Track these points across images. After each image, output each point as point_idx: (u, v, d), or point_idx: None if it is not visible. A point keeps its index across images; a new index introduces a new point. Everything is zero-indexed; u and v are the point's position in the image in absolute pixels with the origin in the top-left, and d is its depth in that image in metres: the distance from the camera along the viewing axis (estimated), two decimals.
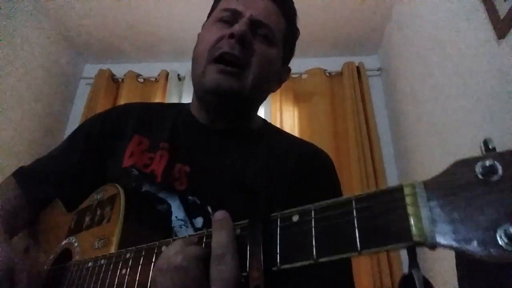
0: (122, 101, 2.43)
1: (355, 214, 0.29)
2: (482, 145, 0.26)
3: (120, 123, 0.77)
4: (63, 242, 0.68)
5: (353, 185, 1.99)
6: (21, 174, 0.78)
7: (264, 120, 0.83)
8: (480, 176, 0.24)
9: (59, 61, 2.52)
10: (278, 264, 0.33)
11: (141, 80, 2.58)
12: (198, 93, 0.71)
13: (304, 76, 2.43)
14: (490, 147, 0.26)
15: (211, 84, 0.64)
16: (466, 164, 0.26)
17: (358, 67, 2.43)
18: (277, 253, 0.33)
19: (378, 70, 2.48)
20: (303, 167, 0.69)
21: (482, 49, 1.26)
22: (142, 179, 0.66)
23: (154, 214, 0.64)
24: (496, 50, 1.17)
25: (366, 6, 2.20)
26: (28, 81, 2.22)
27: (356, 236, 0.28)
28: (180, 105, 0.84)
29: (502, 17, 1.14)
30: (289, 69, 0.82)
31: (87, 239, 0.62)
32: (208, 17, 0.79)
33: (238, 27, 0.63)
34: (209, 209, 0.62)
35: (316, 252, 0.31)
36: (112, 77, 2.58)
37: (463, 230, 0.24)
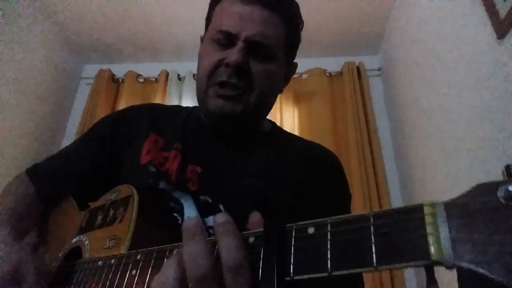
0: (122, 101, 2.43)
1: (372, 230, 0.29)
2: (504, 169, 0.26)
3: (135, 122, 0.78)
4: (74, 240, 0.68)
5: (353, 185, 1.99)
6: (34, 171, 0.78)
7: (272, 122, 0.84)
8: (502, 201, 0.24)
9: (59, 61, 2.52)
10: (292, 274, 0.32)
11: (141, 80, 2.58)
12: (203, 112, 0.71)
13: (304, 76, 2.43)
14: None
15: (214, 109, 0.65)
16: (488, 188, 0.26)
17: (358, 67, 2.43)
18: (290, 264, 0.33)
19: (378, 70, 2.48)
20: (313, 169, 0.69)
21: (482, 49, 1.26)
22: (159, 176, 0.67)
23: (167, 215, 0.64)
24: (496, 50, 1.18)
25: (366, 6, 2.20)
26: (28, 82, 2.22)
27: (372, 252, 0.28)
28: (188, 108, 0.84)
29: (502, 17, 1.14)
30: (296, 65, 0.79)
31: (98, 238, 0.62)
32: (206, 26, 0.75)
33: (233, 57, 0.62)
34: (221, 207, 0.63)
35: (330, 265, 0.30)
36: (112, 77, 2.58)
37: (484, 253, 0.24)
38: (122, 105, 2.42)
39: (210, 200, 0.64)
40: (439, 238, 0.26)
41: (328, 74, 2.45)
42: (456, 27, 1.46)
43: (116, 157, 0.75)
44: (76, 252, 0.66)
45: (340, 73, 2.44)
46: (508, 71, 1.11)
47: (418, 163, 1.88)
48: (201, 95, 0.68)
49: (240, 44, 0.63)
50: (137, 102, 2.47)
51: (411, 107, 1.99)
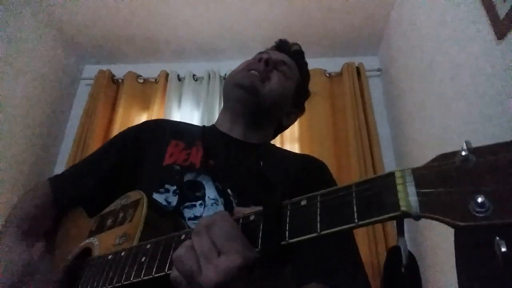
0: (122, 102, 2.43)
1: (354, 195, 0.35)
2: (465, 144, 0.31)
3: (155, 131, 0.89)
4: (83, 242, 0.70)
5: None
6: (54, 178, 0.87)
7: (270, 141, 1.01)
8: (458, 163, 0.30)
9: (59, 62, 2.52)
10: (287, 238, 0.37)
11: (141, 80, 2.58)
12: (227, 89, 0.91)
13: None
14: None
15: (239, 78, 0.87)
16: (448, 156, 0.32)
17: (358, 68, 2.43)
18: (286, 230, 0.38)
19: (378, 71, 2.48)
20: (305, 170, 0.82)
21: (482, 50, 1.26)
22: (184, 171, 0.77)
23: (173, 217, 0.69)
24: (496, 50, 1.17)
25: (366, 7, 2.20)
26: (28, 82, 2.22)
27: (354, 211, 0.34)
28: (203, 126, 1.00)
29: (502, 17, 1.14)
30: (298, 114, 1.02)
31: (108, 238, 0.64)
32: None
33: (265, 55, 0.90)
34: (229, 191, 0.74)
35: (320, 226, 0.36)
36: (112, 77, 2.58)
37: (443, 203, 0.29)
38: (122, 105, 2.42)
39: (220, 187, 0.75)
40: (407, 194, 0.31)
41: (327, 75, 2.45)
42: (455, 28, 1.46)
43: (136, 163, 0.84)
44: (86, 253, 0.67)
45: (340, 74, 2.43)
46: (508, 71, 1.11)
47: (418, 163, 1.88)
48: (232, 77, 0.90)
49: (270, 54, 0.93)
50: (137, 102, 2.49)
51: (410, 107, 1.99)
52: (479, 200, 0.27)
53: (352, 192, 0.35)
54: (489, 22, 1.21)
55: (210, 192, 0.73)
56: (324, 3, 2.19)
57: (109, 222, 0.68)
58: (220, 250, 0.39)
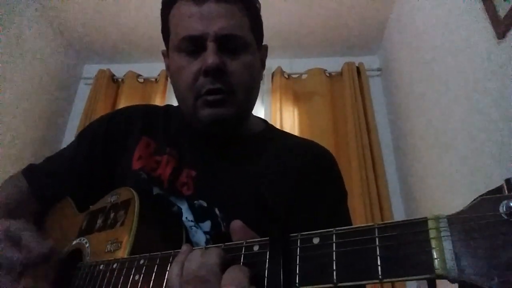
0: (122, 102, 2.43)
1: (377, 243, 0.30)
2: (505, 184, 0.27)
3: (127, 123, 0.77)
4: (74, 242, 0.68)
5: (352, 185, 1.99)
6: (29, 171, 0.78)
7: (265, 122, 0.82)
8: (504, 216, 0.25)
9: (59, 61, 2.52)
10: (297, 284, 0.33)
11: (141, 80, 2.58)
12: (195, 125, 0.69)
13: (304, 76, 2.43)
14: None
15: (207, 118, 0.63)
16: (491, 202, 0.26)
17: (358, 67, 2.43)
18: (296, 273, 0.34)
19: (378, 70, 2.48)
20: (307, 171, 0.69)
21: (482, 49, 1.26)
22: (151, 182, 0.67)
23: (166, 218, 0.64)
24: (496, 50, 1.18)
25: (366, 6, 2.20)
26: (28, 82, 2.22)
27: (378, 264, 0.29)
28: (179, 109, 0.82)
29: (502, 17, 1.14)
30: (266, 47, 0.78)
31: (99, 241, 0.62)
32: (165, 39, 0.72)
33: (209, 61, 0.60)
34: (217, 211, 0.63)
35: (336, 275, 0.31)
36: (112, 77, 2.58)
37: (486, 267, 0.25)
38: (122, 105, 2.41)
39: (205, 204, 0.64)
40: (443, 252, 0.26)
41: (328, 74, 2.45)
42: (456, 27, 1.46)
43: (110, 158, 0.75)
44: (76, 254, 0.65)
45: (340, 73, 2.43)
46: (508, 71, 1.11)
47: (417, 162, 1.88)
48: (190, 110, 0.65)
49: (211, 45, 0.61)
50: (137, 102, 2.48)
51: (410, 107, 1.99)
52: None
53: (375, 238, 0.31)
54: (489, 22, 1.21)
55: (188, 214, 0.64)
56: (324, 3, 2.19)
57: (99, 222, 0.65)
58: None
